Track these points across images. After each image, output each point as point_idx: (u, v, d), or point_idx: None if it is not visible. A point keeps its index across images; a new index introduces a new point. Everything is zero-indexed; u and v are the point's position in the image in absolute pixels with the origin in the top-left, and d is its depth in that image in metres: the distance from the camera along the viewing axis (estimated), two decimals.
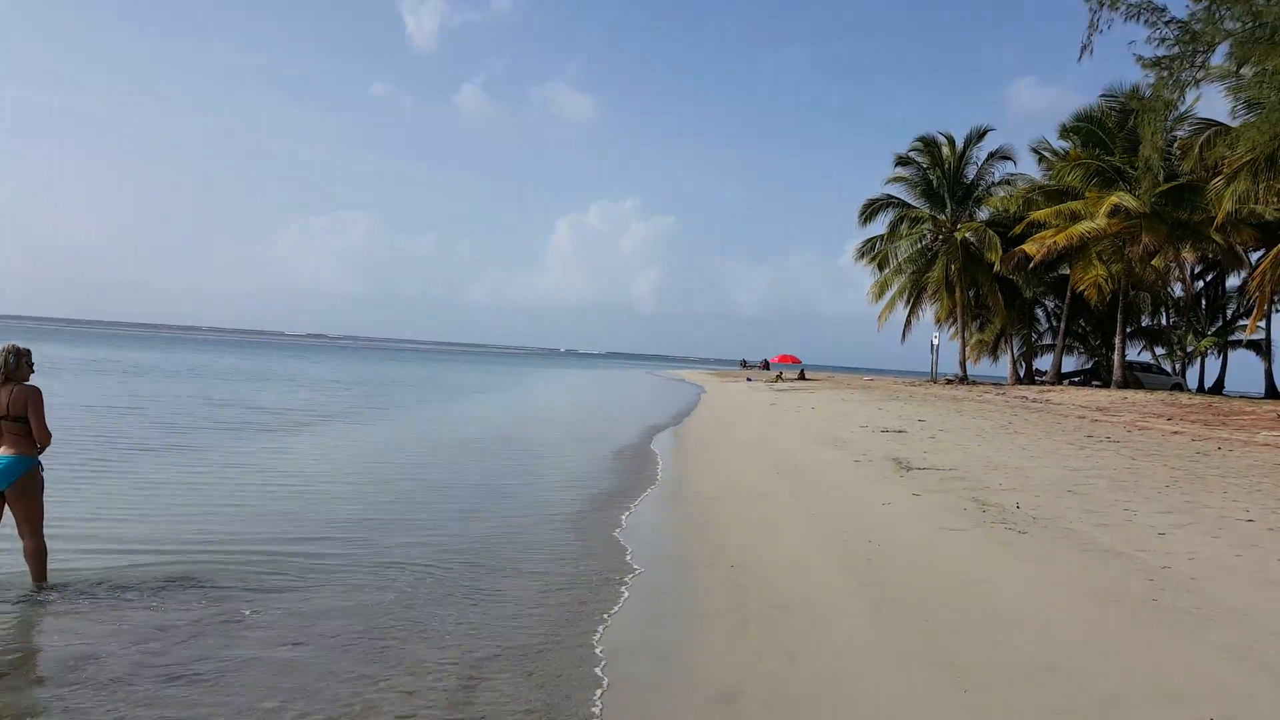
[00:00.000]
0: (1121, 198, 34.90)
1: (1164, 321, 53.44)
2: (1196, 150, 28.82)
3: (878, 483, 11.98)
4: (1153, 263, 39.52)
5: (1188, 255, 41.34)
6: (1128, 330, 53.75)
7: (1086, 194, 37.21)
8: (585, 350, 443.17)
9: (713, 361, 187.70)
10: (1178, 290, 49.44)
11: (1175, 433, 17.89)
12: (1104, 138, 38.04)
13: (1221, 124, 29.55)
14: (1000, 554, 7.65)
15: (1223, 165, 32.71)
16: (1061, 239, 37.15)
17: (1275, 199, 27.54)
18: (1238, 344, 51.77)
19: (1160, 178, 34.42)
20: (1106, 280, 38.57)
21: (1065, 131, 43.36)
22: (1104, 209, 35.12)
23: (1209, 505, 9.64)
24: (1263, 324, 49.29)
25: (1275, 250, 26.84)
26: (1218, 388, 50.50)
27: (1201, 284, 50.84)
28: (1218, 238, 36.99)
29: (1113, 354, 54.06)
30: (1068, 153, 40.75)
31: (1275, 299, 48.34)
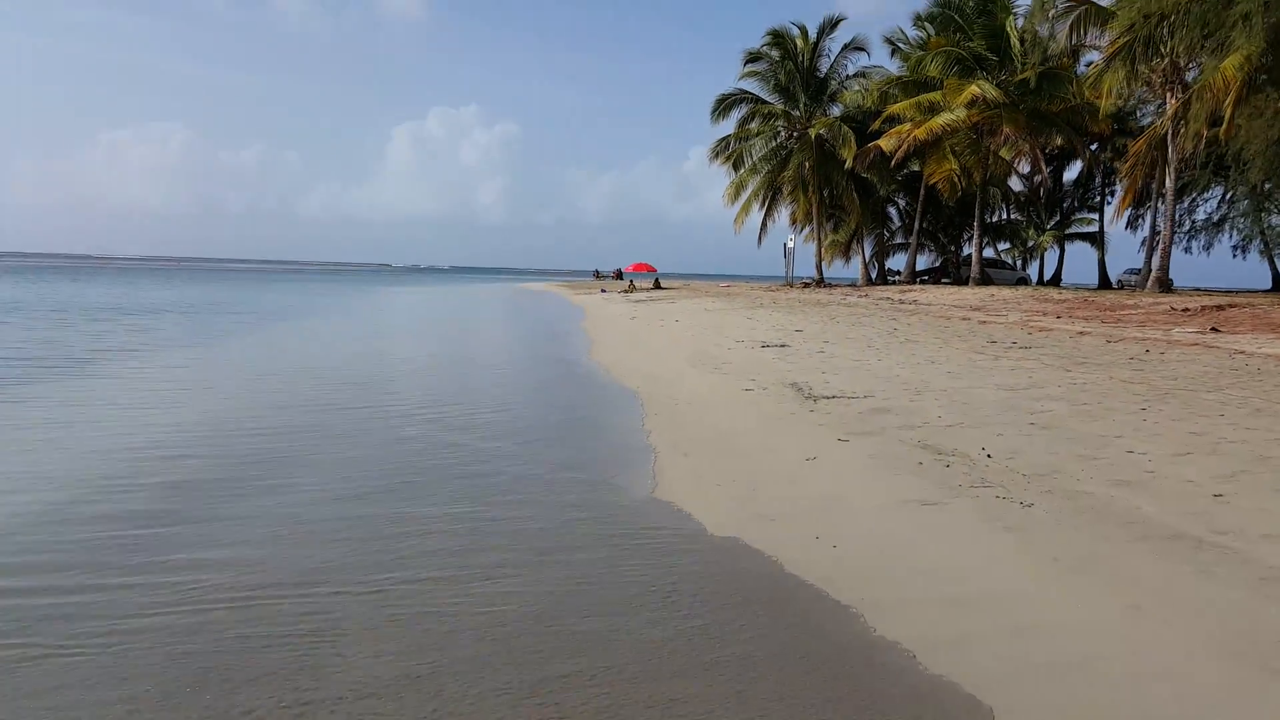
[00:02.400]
0: (981, 86, 33.43)
1: (1004, 216, 53.89)
2: (1066, 31, 27.15)
3: (785, 422, 9.21)
4: (1001, 153, 38.71)
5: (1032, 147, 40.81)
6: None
7: (945, 83, 35.58)
8: (430, 264, 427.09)
9: (563, 273, 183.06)
10: (1017, 184, 49.67)
11: (1081, 333, 16.13)
12: (962, 23, 36.36)
13: (1092, 2, 27.99)
14: (1025, 554, 4.93)
15: (1083, 49, 31.58)
16: (921, 132, 35.53)
17: (1145, 86, 26.41)
18: (1073, 237, 52.98)
19: (1042, 52, 32.16)
20: (959, 175, 37.52)
21: (920, 20, 41.64)
22: (963, 99, 33.58)
23: (1229, 439, 7.33)
24: (1095, 215, 50.67)
25: (1148, 132, 25.79)
26: (1055, 280, 51.62)
27: (1040, 177, 51.15)
28: (1063, 130, 36.39)
29: (961, 251, 54.56)
30: (926, 41, 38.95)
31: (1112, 188, 49.51)
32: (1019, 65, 34.58)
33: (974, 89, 33.06)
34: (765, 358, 14.72)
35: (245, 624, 4.27)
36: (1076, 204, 52.78)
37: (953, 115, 34.79)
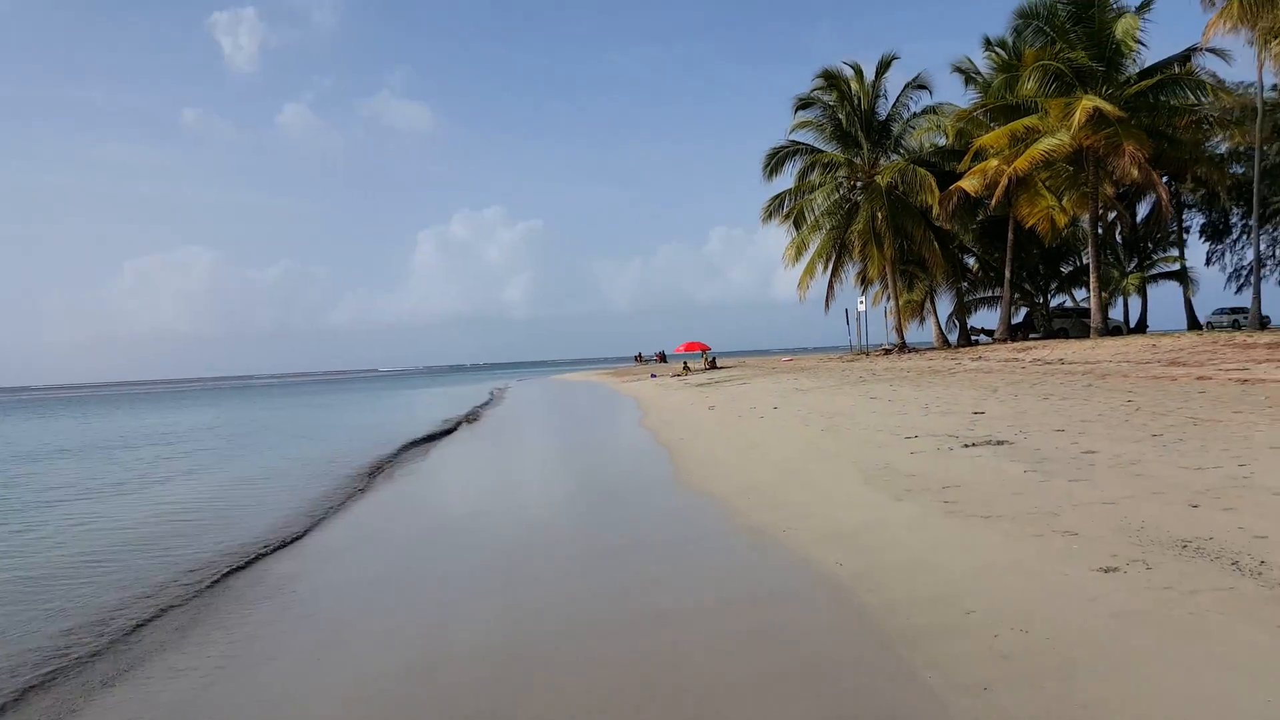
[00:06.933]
0: (1096, 101, 28.15)
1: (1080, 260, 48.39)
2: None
3: None
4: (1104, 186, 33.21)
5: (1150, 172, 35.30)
6: (1063, 272, 48.37)
7: (1044, 105, 30.39)
8: (462, 362, 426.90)
9: (598, 361, 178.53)
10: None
11: None
12: (1052, 33, 31.30)
13: None
14: None
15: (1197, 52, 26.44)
16: (1023, 163, 30.23)
17: None
18: (1155, 278, 47.67)
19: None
20: (1059, 212, 32.12)
21: (990, 45, 36.88)
22: (1078, 119, 28.16)
23: None
24: (1175, 251, 45.38)
25: None
26: (1140, 327, 45.73)
27: (1114, 214, 45.69)
28: (1188, 148, 31.08)
29: (1048, 302, 48.72)
30: (1008, 62, 33.95)
31: (1188, 223, 44.20)
32: (1131, 75, 29.42)
33: (1087, 103, 27.74)
34: (1009, 472, 9.03)
35: None
36: (1151, 243, 47.43)
37: (1056, 140, 29.52)
